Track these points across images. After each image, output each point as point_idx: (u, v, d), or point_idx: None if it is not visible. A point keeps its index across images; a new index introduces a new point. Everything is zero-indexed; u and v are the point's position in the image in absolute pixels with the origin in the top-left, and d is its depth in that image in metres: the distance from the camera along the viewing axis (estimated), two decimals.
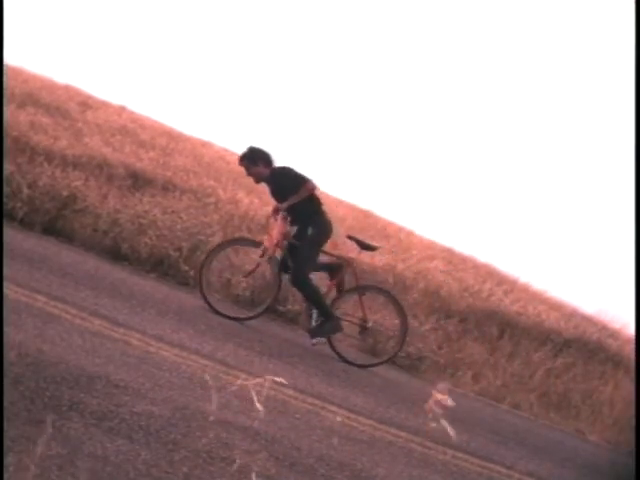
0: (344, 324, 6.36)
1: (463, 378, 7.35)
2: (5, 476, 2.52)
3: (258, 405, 2.53)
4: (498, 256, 13.47)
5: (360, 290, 6.45)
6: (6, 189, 7.19)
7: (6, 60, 11.01)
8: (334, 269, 6.48)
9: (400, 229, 13.69)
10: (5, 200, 7.09)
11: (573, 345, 9.00)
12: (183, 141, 13.70)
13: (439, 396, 2.13)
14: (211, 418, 3.63)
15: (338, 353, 6.28)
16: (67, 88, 14.92)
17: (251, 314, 6.40)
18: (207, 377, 3.78)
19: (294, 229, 6.40)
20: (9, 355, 3.47)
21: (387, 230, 12.66)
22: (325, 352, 6.25)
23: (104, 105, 14.41)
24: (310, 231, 6.25)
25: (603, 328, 11.00)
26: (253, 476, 3.02)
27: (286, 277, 6.33)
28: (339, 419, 4.50)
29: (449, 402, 2.10)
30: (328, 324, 6.20)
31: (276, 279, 6.34)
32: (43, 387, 3.37)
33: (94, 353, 4.09)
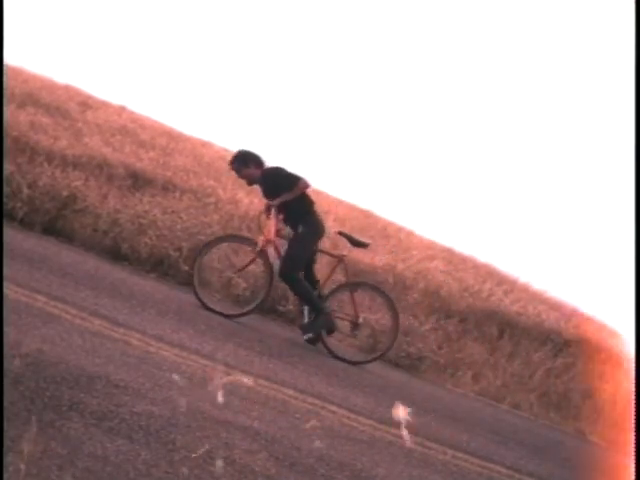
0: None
1: (463, 378, 7.35)
2: (5, 476, 2.52)
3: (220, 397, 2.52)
4: (498, 256, 13.46)
5: (351, 287, 6.45)
6: (6, 189, 7.20)
7: (6, 60, 11.00)
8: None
9: (400, 229, 13.68)
10: (5, 200, 7.09)
11: (573, 345, 9.00)
12: (183, 141, 13.68)
13: (400, 413, 2.21)
14: (211, 418, 3.63)
15: (329, 349, 6.28)
16: (67, 88, 14.90)
17: (243, 311, 6.42)
18: (205, 377, 3.78)
19: (288, 229, 6.43)
20: (9, 355, 3.47)
21: (387, 230, 12.65)
22: (325, 352, 6.25)
23: (104, 105, 14.39)
24: (301, 229, 6.28)
25: (603, 328, 11.01)
26: (219, 462, 3.02)
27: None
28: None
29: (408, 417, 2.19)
30: (320, 320, 6.22)
31: (268, 276, 6.35)
32: (43, 387, 3.37)
33: (94, 353, 4.09)
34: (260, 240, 6.36)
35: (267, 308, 7.06)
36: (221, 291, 7.03)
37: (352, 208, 13.90)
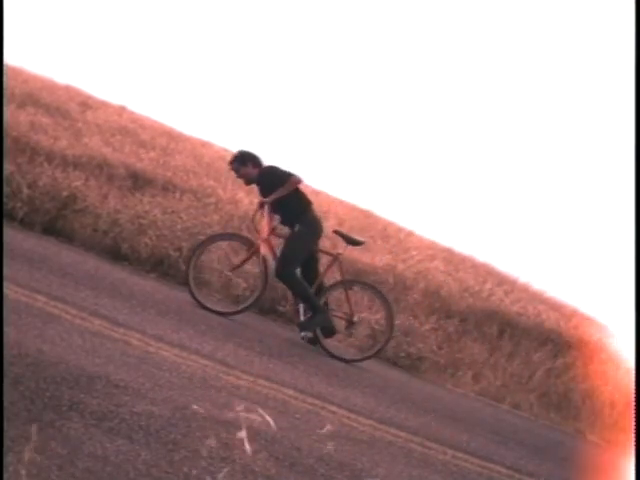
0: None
1: (463, 378, 7.35)
2: (5, 476, 2.52)
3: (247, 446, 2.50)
4: (498, 256, 13.48)
5: (346, 284, 6.46)
6: (6, 189, 7.20)
7: (6, 60, 11.01)
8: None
9: (400, 229, 13.69)
10: (5, 200, 7.10)
11: (573, 345, 9.00)
12: (183, 141, 13.70)
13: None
14: (211, 418, 3.63)
15: (325, 347, 6.28)
16: (67, 88, 14.92)
17: (239, 308, 6.43)
18: (206, 377, 3.78)
19: (286, 229, 6.45)
20: (9, 355, 3.47)
21: (387, 230, 12.67)
22: (325, 352, 6.25)
23: (104, 105, 14.41)
24: (297, 228, 6.29)
25: (603, 328, 11.02)
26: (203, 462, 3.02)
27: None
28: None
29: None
30: (317, 317, 6.22)
31: (264, 274, 6.36)
32: (43, 387, 3.37)
33: (94, 353, 4.09)
34: (255, 238, 6.39)
35: (267, 308, 7.06)
36: (221, 291, 7.03)
37: (352, 208, 13.92)
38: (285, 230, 6.46)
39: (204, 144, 14.89)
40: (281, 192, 6.25)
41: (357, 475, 3.73)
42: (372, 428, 4.61)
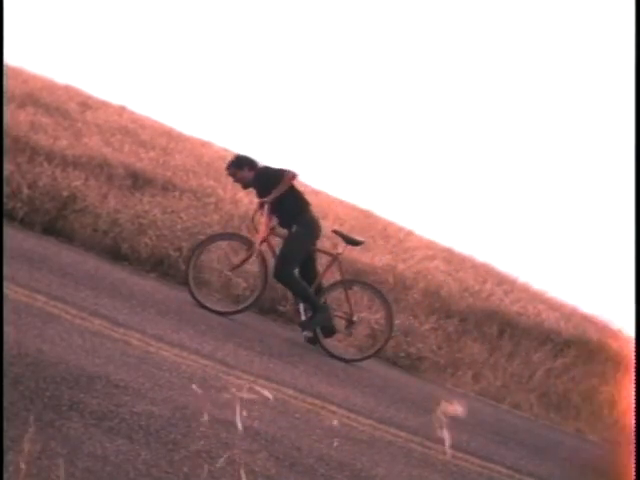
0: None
1: (463, 378, 7.35)
2: (5, 476, 2.52)
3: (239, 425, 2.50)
4: (497, 256, 13.46)
5: (346, 284, 6.46)
6: (6, 189, 7.20)
7: (6, 60, 11.00)
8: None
9: (400, 229, 13.68)
10: (5, 200, 7.09)
11: (573, 345, 9.00)
12: (183, 141, 13.69)
13: (450, 408, 2.04)
14: (211, 418, 3.63)
15: (324, 347, 6.28)
16: (67, 88, 14.90)
17: (238, 308, 6.43)
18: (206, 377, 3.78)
19: (284, 230, 6.45)
20: (9, 355, 3.47)
21: (387, 230, 12.65)
22: (325, 352, 6.25)
23: (104, 105, 14.39)
24: (294, 228, 6.30)
25: (603, 328, 11.01)
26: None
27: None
28: (335, 422, 4.50)
29: (459, 413, 2.03)
30: (318, 316, 6.23)
31: (263, 274, 6.36)
32: (43, 387, 3.37)
33: (94, 353, 4.09)
34: (254, 238, 6.40)
35: (267, 308, 7.06)
36: (220, 290, 7.03)
37: (352, 208, 13.90)
38: (284, 230, 6.46)
39: (204, 144, 14.88)
40: (279, 189, 6.26)
41: (357, 475, 3.73)
42: (372, 428, 4.61)
